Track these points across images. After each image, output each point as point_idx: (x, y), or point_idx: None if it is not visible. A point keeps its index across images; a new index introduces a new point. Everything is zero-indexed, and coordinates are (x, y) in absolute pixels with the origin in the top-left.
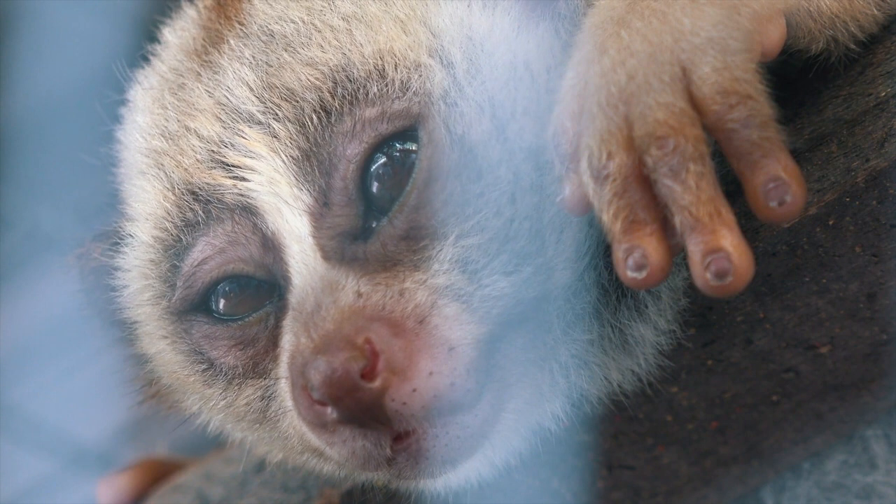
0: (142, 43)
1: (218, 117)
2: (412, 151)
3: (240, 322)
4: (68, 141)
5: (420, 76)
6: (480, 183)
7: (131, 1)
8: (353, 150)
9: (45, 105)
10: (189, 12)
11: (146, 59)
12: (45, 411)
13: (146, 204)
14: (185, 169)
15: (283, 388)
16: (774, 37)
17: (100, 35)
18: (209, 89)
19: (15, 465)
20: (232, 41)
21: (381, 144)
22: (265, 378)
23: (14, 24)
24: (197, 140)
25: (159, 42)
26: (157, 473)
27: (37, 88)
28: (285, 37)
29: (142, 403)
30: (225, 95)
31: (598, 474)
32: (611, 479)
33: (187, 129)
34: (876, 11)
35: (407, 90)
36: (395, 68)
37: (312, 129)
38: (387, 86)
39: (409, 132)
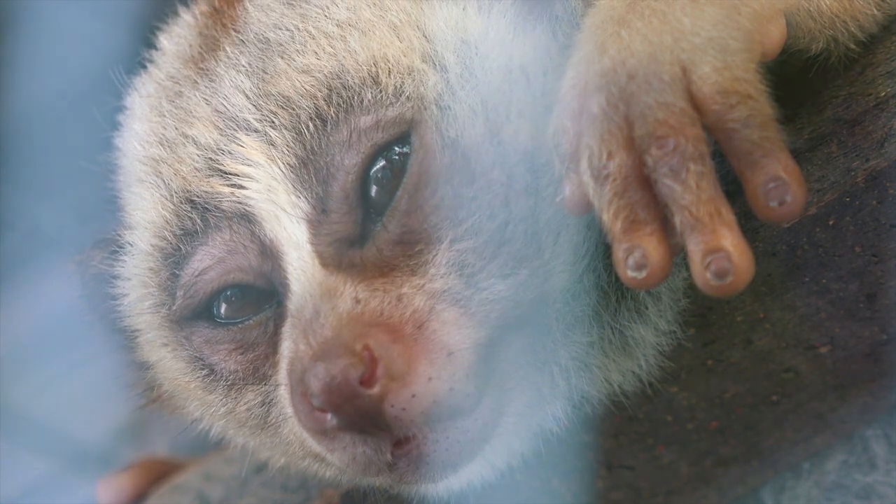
0: (140, 45)
1: (215, 125)
2: (408, 155)
3: (240, 325)
4: (69, 141)
5: (413, 81)
6: (473, 186)
7: (131, 2)
8: (351, 161)
9: (46, 106)
10: (185, 17)
11: (143, 66)
12: (45, 411)
13: (145, 212)
14: (183, 177)
15: (283, 395)
16: (775, 37)
17: (99, 36)
18: (206, 97)
19: (15, 465)
20: (228, 48)
21: (378, 153)
22: (265, 384)
23: (14, 24)
24: (194, 148)
25: (156, 48)
26: (157, 473)
27: (37, 89)
28: (281, 44)
29: (143, 408)
30: (222, 103)
31: (598, 474)
32: (611, 479)
33: (185, 136)
34: (876, 11)
35: (400, 95)
36: (389, 74)
37: (309, 137)
38: (381, 92)
39: (404, 137)
